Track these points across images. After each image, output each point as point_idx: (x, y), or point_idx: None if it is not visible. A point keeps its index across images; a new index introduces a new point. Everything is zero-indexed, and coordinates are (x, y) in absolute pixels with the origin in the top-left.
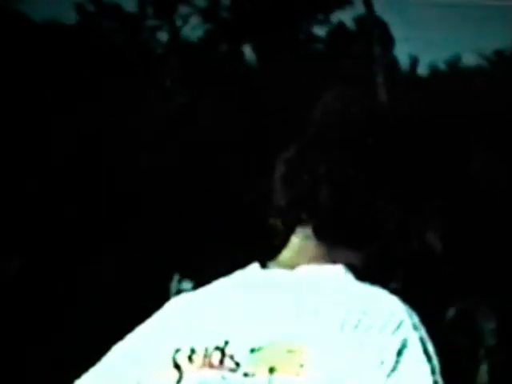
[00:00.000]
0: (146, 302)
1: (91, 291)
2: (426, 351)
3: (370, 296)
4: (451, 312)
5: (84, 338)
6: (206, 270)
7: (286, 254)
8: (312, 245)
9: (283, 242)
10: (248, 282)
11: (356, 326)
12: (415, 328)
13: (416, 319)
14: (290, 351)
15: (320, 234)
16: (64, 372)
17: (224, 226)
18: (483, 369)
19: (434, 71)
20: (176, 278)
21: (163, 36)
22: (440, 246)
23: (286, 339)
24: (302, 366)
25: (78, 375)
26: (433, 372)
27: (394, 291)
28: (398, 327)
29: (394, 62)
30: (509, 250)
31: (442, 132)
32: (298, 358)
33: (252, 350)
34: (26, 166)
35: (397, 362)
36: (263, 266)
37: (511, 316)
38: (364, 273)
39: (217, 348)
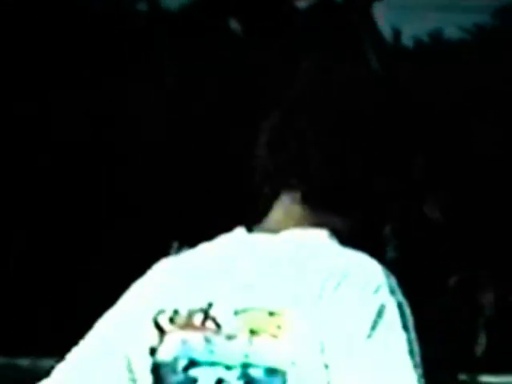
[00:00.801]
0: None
1: (94, 264)
2: (402, 316)
3: (350, 260)
4: (452, 281)
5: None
6: (202, 236)
7: (271, 218)
8: (298, 209)
9: (269, 207)
10: (232, 245)
11: (335, 289)
12: (393, 292)
13: (394, 283)
14: (270, 314)
15: (308, 199)
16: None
17: (213, 192)
18: (482, 338)
19: (417, 43)
20: (175, 245)
21: (144, 7)
22: (440, 216)
23: (267, 302)
24: (279, 327)
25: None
26: (408, 337)
27: (390, 260)
28: (377, 291)
29: (379, 34)
30: (509, 221)
31: (433, 101)
32: (278, 320)
33: (235, 313)
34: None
35: (374, 325)
36: (249, 230)
37: (511, 286)
38: (349, 238)
39: (200, 310)
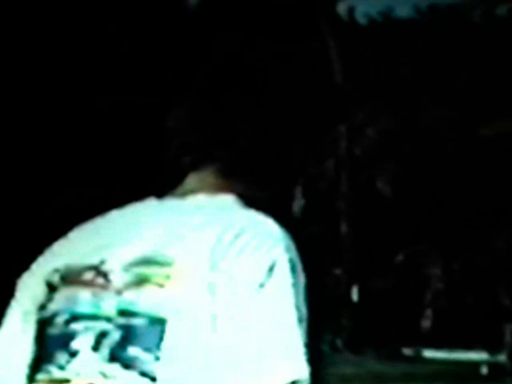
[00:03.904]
0: None
1: None
2: (293, 274)
3: (248, 218)
4: (400, 256)
5: None
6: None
7: (184, 187)
8: (214, 179)
9: (183, 178)
10: (137, 209)
11: (230, 244)
12: (287, 250)
13: (289, 242)
14: (160, 264)
15: (230, 171)
16: None
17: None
18: (428, 313)
19: (370, 21)
20: None
21: None
22: (389, 191)
23: (160, 254)
24: (168, 277)
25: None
26: (296, 294)
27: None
28: (271, 248)
29: (335, 12)
30: (457, 196)
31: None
32: (167, 270)
33: (126, 267)
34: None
35: (264, 280)
36: (160, 198)
37: (458, 262)
38: (261, 207)
39: (91, 266)
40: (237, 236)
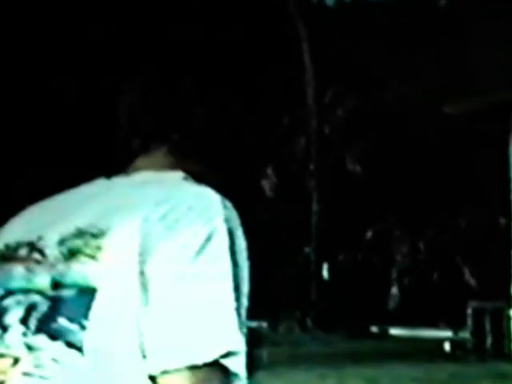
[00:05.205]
0: None
1: None
2: (232, 243)
3: (189, 192)
4: (369, 233)
5: None
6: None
7: (134, 167)
8: (164, 159)
9: (133, 159)
10: (81, 189)
11: (164, 217)
12: (226, 221)
13: (230, 213)
14: (92, 236)
15: (182, 151)
16: None
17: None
18: (395, 291)
19: (339, 3)
20: None
21: None
22: (358, 169)
23: (91, 227)
24: (99, 248)
25: None
26: (235, 264)
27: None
28: (210, 218)
29: None
30: (424, 175)
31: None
32: (99, 242)
33: (61, 241)
34: None
35: (200, 250)
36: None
37: (423, 240)
38: (212, 182)
39: (28, 243)
40: (173, 208)
